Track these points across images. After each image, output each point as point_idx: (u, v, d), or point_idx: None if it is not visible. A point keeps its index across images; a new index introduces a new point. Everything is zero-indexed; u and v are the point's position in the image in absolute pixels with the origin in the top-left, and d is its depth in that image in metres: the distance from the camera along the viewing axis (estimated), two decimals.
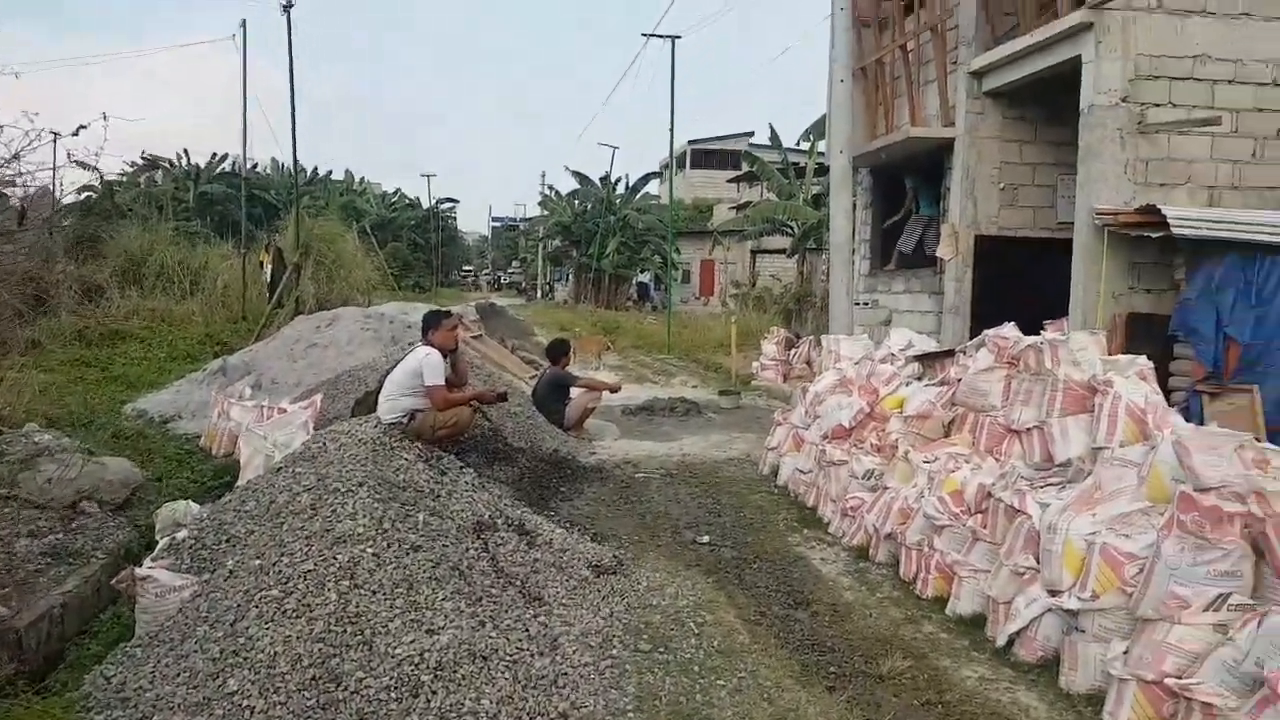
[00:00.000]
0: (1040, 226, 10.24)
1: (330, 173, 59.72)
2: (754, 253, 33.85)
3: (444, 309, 6.68)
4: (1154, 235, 7.31)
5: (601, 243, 40.09)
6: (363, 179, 62.80)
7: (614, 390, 9.87)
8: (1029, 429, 4.68)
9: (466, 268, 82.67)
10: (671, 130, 20.92)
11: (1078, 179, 8.02)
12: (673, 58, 20.51)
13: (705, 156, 51.88)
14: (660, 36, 20.83)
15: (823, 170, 25.10)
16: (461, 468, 5.68)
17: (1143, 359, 4.39)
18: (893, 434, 5.48)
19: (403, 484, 4.90)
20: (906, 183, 12.05)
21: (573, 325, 26.20)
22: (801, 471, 6.51)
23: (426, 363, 6.15)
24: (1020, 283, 10.02)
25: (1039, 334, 8.57)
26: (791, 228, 24.18)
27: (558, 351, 9.79)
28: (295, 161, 20.08)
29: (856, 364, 6.75)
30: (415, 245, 54.19)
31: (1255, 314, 7.15)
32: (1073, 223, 10.19)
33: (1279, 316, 7.16)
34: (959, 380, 5.32)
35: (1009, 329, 5.35)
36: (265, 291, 17.99)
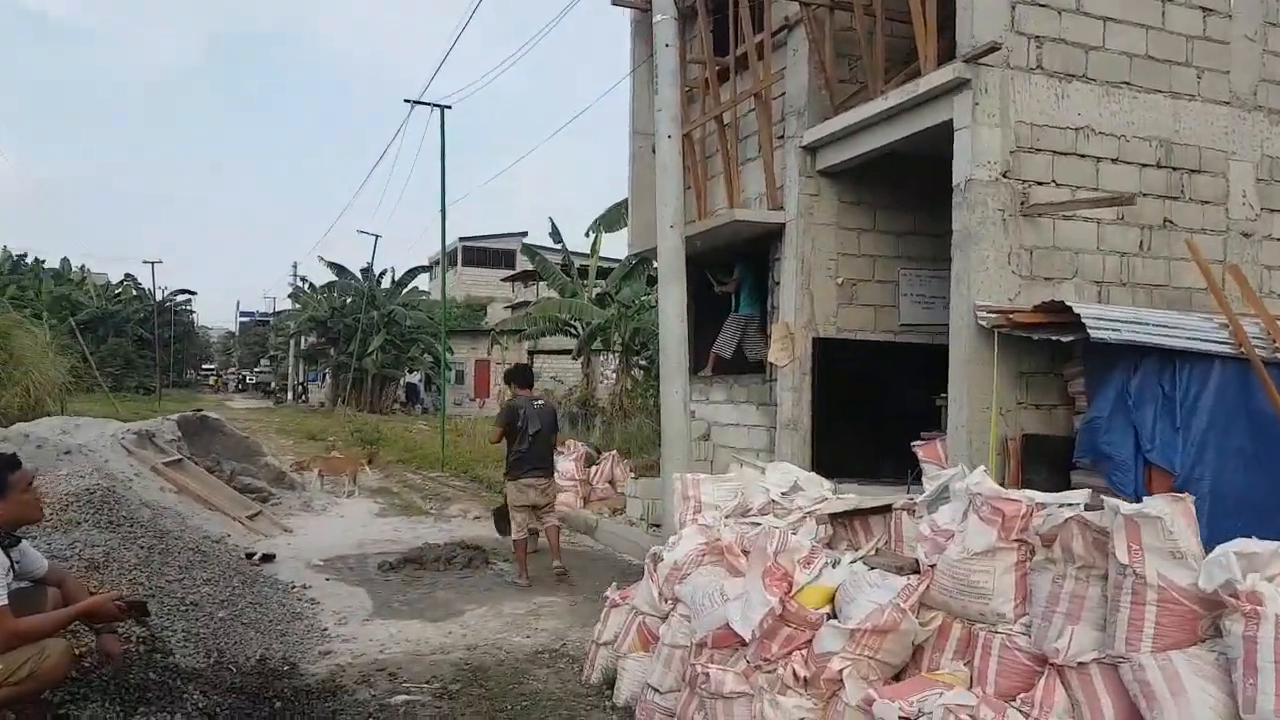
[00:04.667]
0: (881, 329, 8.89)
1: (42, 260, 52.25)
2: (532, 353, 31.85)
3: (10, 455, 3.72)
4: (1065, 339, 5.92)
5: (363, 340, 36.56)
6: (83, 267, 55.54)
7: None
8: (1084, 664, 2.75)
9: (207, 366, 75.00)
10: (443, 208, 18.61)
11: (953, 270, 6.60)
12: (442, 128, 18.31)
13: (478, 254, 49.97)
14: (427, 104, 18.64)
15: (604, 273, 23.75)
16: None
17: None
18: (831, 657, 3.37)
19: None
20: (715, 276, 10.53)
21: (325, 434, 22.68)
22: (657, 690, 4.24)
23: None
24: (862, 395, 8.60)
25: (911, 453, 7.03)
26: (575, 328, 22.45)
27: (523, 378, 8.06)
28: None
29: (728, 519, 4.65)
30: (143, 341, 47.88)
31: (1180, 436, 5.87)
32: (917, 325, 9.03)
33: (1201, 439, 5.92)
34: (931, 567, 3.33)
35: (1012, 492, 3.47)
36: None
